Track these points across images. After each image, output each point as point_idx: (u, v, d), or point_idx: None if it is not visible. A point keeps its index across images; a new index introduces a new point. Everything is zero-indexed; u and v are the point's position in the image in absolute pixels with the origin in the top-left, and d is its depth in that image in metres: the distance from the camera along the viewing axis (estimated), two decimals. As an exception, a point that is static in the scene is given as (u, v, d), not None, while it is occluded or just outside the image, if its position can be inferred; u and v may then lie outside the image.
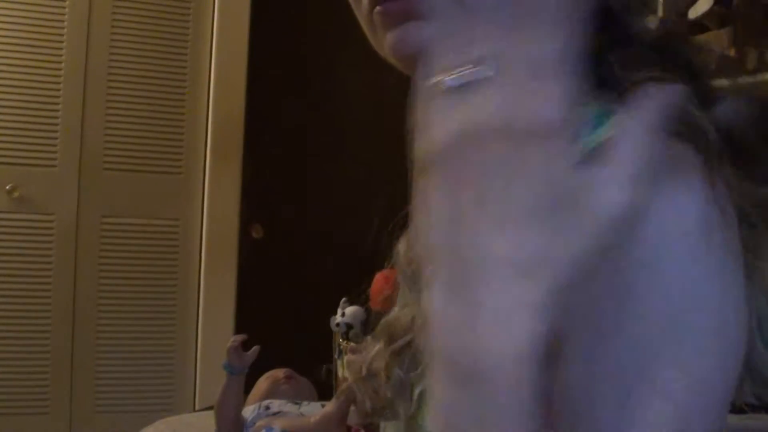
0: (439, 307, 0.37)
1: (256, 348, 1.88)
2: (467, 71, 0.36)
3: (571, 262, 0.35)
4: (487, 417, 0.37)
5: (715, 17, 1.56)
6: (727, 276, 0.42)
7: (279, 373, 2.11)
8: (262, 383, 2.09)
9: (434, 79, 0.37)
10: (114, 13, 2.78)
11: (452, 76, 0.36)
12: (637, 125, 0.37)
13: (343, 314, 2.22)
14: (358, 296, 2.21)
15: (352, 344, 2.01)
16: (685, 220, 0.41)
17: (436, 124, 0.36)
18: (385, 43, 0.52)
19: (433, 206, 0.37)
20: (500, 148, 0.35)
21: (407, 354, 0.60)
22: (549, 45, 0.36)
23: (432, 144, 0.36)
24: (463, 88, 0.36)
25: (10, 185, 2.66)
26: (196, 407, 2.73)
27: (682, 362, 0.40)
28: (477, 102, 0.35)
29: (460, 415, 0.37)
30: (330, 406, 1.80)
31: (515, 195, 0.35)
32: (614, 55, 0.51)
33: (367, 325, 2.12)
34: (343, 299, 2.26)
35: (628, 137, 0.37)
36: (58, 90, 2.73)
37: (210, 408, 1.99)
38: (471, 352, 0.36)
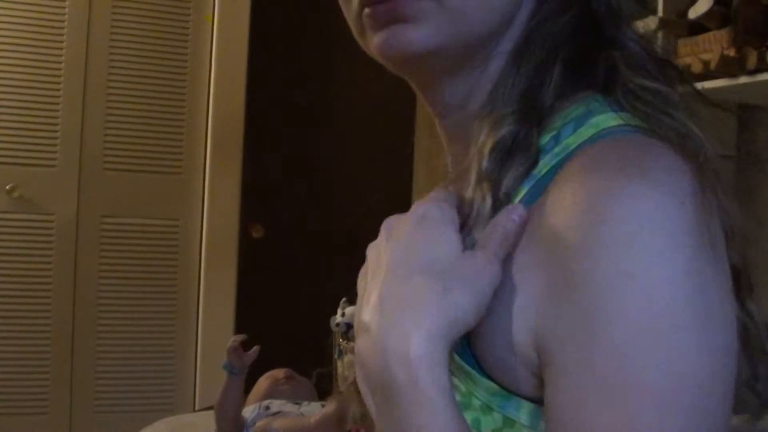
0: (358, 344, 0.49)
1: (256, 348, 1.88)
2: None
3: (455, 302, 0.46)
4: (409, 421, 0.44)
5: (715, 17, 1.55)
6: (707, 275, 0.42)
7: (279, 373, 2.12)
8: (262, 383, 2.09)
9: None
10: (114, 13, 2.78)
11: None
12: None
13: (343, 314, 2.21)
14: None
15: (352, 344, 2.01)
16: (655, 219, 0.41)
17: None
18: (373, 44, 0.53)
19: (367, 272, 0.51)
20: (401, 226, 0.50)
21: None
22: None
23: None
24: None
25: (10, 185, 2.66)
26: (196, 407, 2.73)
27: (663, 360, 0.40)
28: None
29: (391, 425, 0.46)
30: (330, 406, 1.80)
31: (407, 257, 0.48)
32: (607, 57, 0.52)
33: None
34: (343, 299, 2.26)
35: (492, 231, 0.48)
36: (58, 90, 2.73)
37: (210, 408, 1.99)
38: (380, 367, 0.46)
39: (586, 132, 0.48)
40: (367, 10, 0.52)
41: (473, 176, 0.51)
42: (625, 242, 0.41)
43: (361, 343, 0.48)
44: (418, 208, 0.50)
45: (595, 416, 0.40)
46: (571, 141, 0.49)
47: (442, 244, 0.48)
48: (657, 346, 0.40)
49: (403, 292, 0.47)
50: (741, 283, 0.48)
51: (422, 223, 0.49)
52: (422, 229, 0.49)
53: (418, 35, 0.51)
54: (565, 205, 0.44)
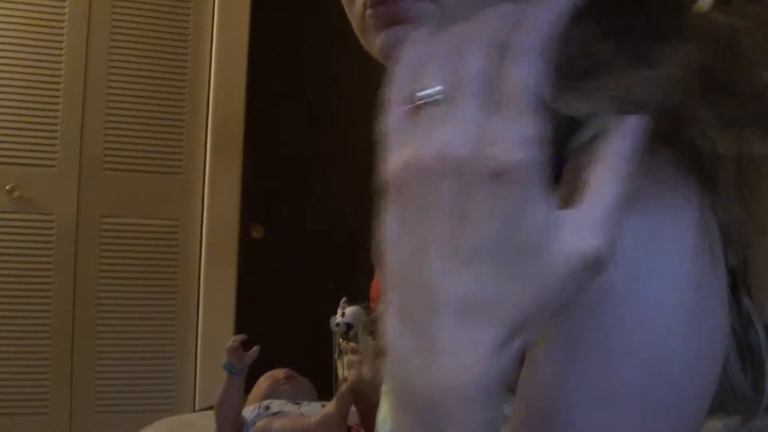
0: (394, 335, 0.37)
1: (256, 348, 1.88)
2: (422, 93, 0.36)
3: (530, 305, 0.34)
4: None
5: (715, 17, 1.56)
6: (706, 303, 0.42)
7: (279, 373, 2.12)
8: (262, 383, 2.09)
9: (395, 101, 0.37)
10: (114, 13, 2.78)
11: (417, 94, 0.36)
12: (612, 159, 0.36)
13: (343, 314, 2.22)
14: (358, 296, 2.21)
15: (352, 344, 2.01)
16: (663, 244, 0.41)
17: (394, 150, 0.36)
18: (374, 44, 0.53)
19: (387, 234, 0.37)
20: (453, 186, 0.34)
21: None
22: (524, 69, 0.34)
23: (388, 171, 0.36)
24: (422, 113, 0.36)
25: (10, 185, 2.67)
26: (196, 407, 2.73)
27: (652, 363, 0.40)
28: (433, 135, 0.34)
29: None
30: (330, 406, 1.80)
31: (467, 236, 0.34)
32: (607, 48, 0.51)
33: (367, 325, 2.12)
34: (343, 299, 2.26)
35: (600, 173, 0.35)
36: (58, 90, 2.73)
37: (210, 408, 1.99)
38: (423, 385, 0.36)
39: (586, 134, 0.49)
40: (369, 11, 0.52)
41: None
42: (631, 246, 0.41)
43: (399, 345, 0.37)
44: (499, 151, 0.33)
45: (575, 413, 0.40)
46: (572, 143, 0.49)
47: (529, 213, 0.34)
48: (650, 349, 0.40)
49: (463, 289, 0.34)
50: (738, 283, 0.48)
51: (501, 182, 0.33)
52: (500, 192, 0.33)
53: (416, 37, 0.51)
54: None
